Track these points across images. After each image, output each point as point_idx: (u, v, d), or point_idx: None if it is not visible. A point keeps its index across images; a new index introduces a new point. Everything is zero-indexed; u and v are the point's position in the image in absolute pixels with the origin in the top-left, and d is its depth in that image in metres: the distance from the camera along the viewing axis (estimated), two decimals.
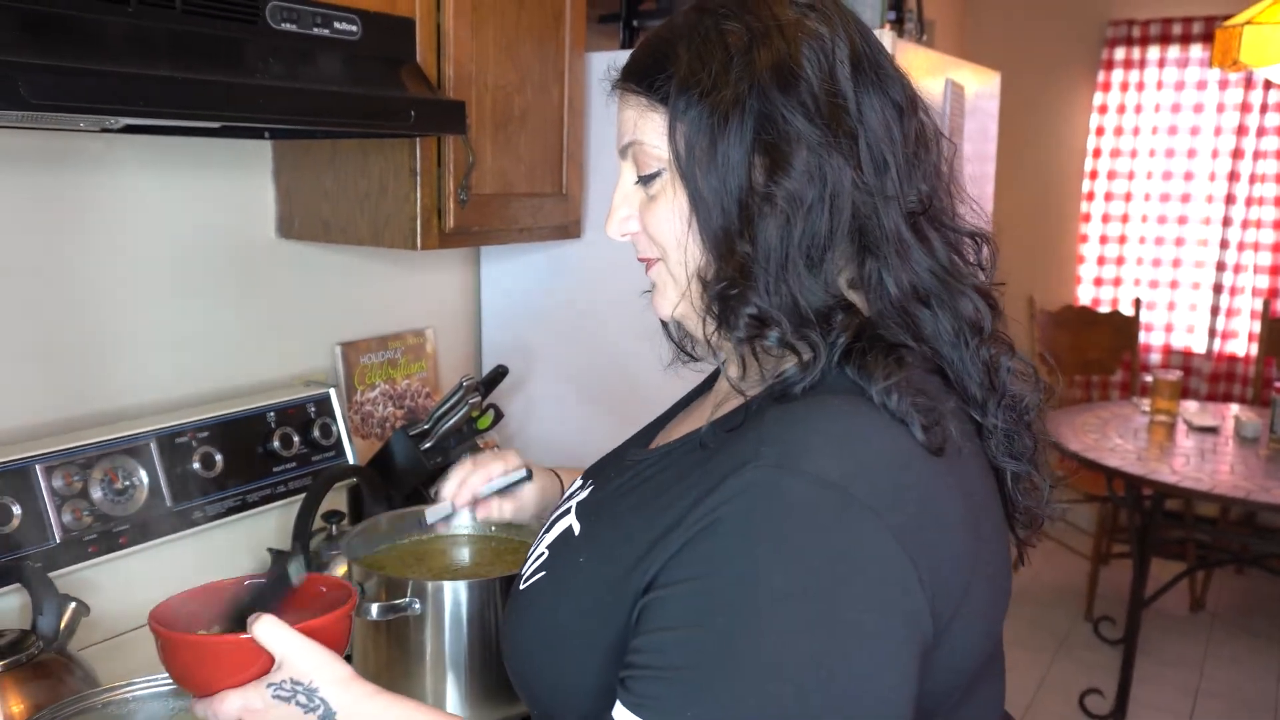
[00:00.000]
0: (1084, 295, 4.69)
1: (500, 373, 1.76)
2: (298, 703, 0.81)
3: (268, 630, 0.81)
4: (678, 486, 0.77)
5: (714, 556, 0.70)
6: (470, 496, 1.17)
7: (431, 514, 1.19)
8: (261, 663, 0.82)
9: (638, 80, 0.83)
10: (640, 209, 0.86)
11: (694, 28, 0.81)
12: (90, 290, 1.48)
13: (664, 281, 0.87)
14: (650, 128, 0.82)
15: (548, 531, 0.92)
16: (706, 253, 0.80)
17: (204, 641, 0.86)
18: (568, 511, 0.91)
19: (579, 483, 0.98)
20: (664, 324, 0.99)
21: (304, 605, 0.90)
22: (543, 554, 0.89)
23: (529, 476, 1.18)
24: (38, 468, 1.32)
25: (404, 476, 1.68)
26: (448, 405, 1.69)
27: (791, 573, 0.68)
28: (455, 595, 1.19)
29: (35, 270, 1.42)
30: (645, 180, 0.85)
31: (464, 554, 1.40)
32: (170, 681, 1.07)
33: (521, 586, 0.89)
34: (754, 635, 0.67)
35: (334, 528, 1.49)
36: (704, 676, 0.68)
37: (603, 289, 2.04)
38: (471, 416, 1.70)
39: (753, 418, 0.76)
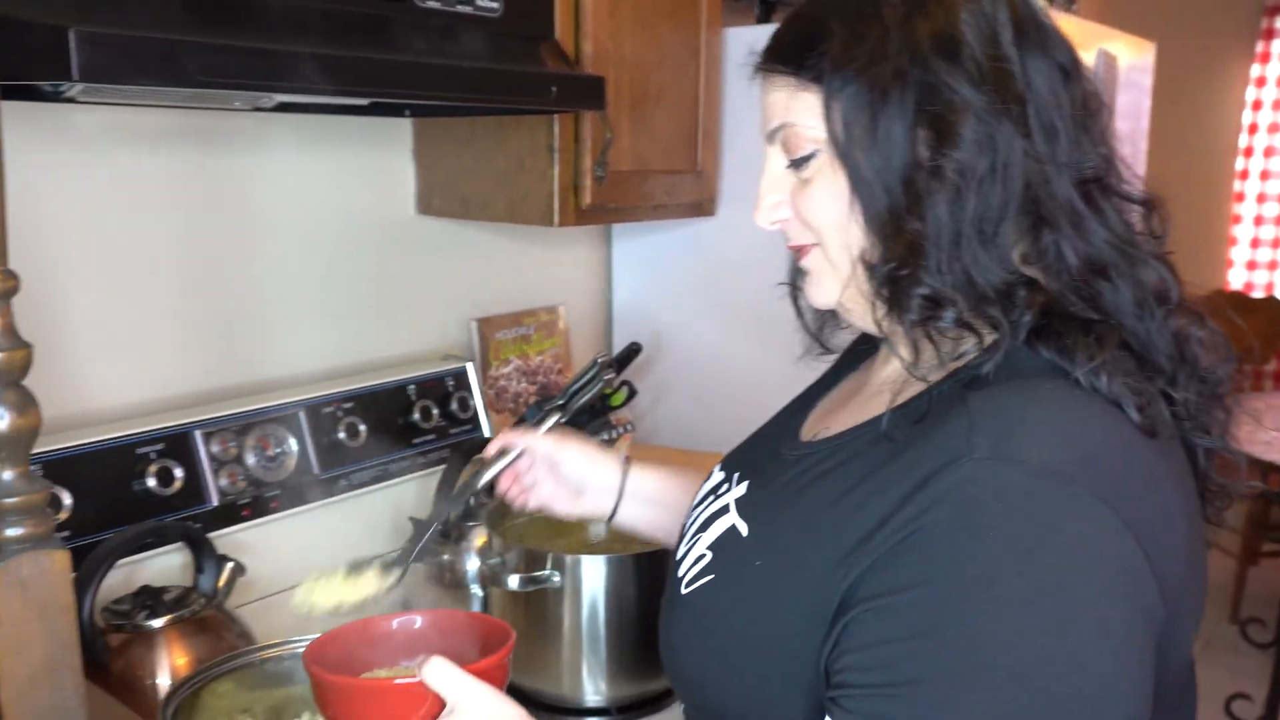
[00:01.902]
0: (1235, 280, 4.44)
1: (634, 350, 1.76)
2: None
3: (439, 672, 0.74)
4: (868, 483, 0.72)
5: (936, 560, 0.65)
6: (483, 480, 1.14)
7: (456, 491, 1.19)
8: (429, 706, 0.75)
9: (785, 60, 0.79)
10: (792, 194, 0.81)
11: (845, 3, 0.77)
12: (241, 265, 1.54)
13: (820, 269, 0.82)
14: (803, 108, 0.77)
15: (702, 530, 0.88)
16: (870, 235, 0.75)
17: (370, 686, 0.81)
18: (725, 509, 0.86)
19: (720, 475, 0.94)
20: (800, 314, 0.94)
21: (456, 642, 0.86)
22: (704, 555, 0.84)
23: (519, 455, 1.14)
24: (197, 433, 1.37)
25: None
26: (583, 381, 1.69)
27: (1025, 571, 0.63)
28: (595, 569, 1.20)
29: (193, 246, 1.47)
30: (798, 164, 0.79)
31: (602, 527, 1.40)
32: None
33: (684, 591, 0.85)
34: (990, 641, 0.63)
35: (473, 499, 1.51)
36: (939, 690, 0.64)
37: (735, 268, 2.02)
38: (605, 393, 1.71)
39: (942, 406, 0.71)
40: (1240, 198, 4.40)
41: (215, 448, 1.38)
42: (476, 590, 1.42)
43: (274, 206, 1.57)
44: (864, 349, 0.95)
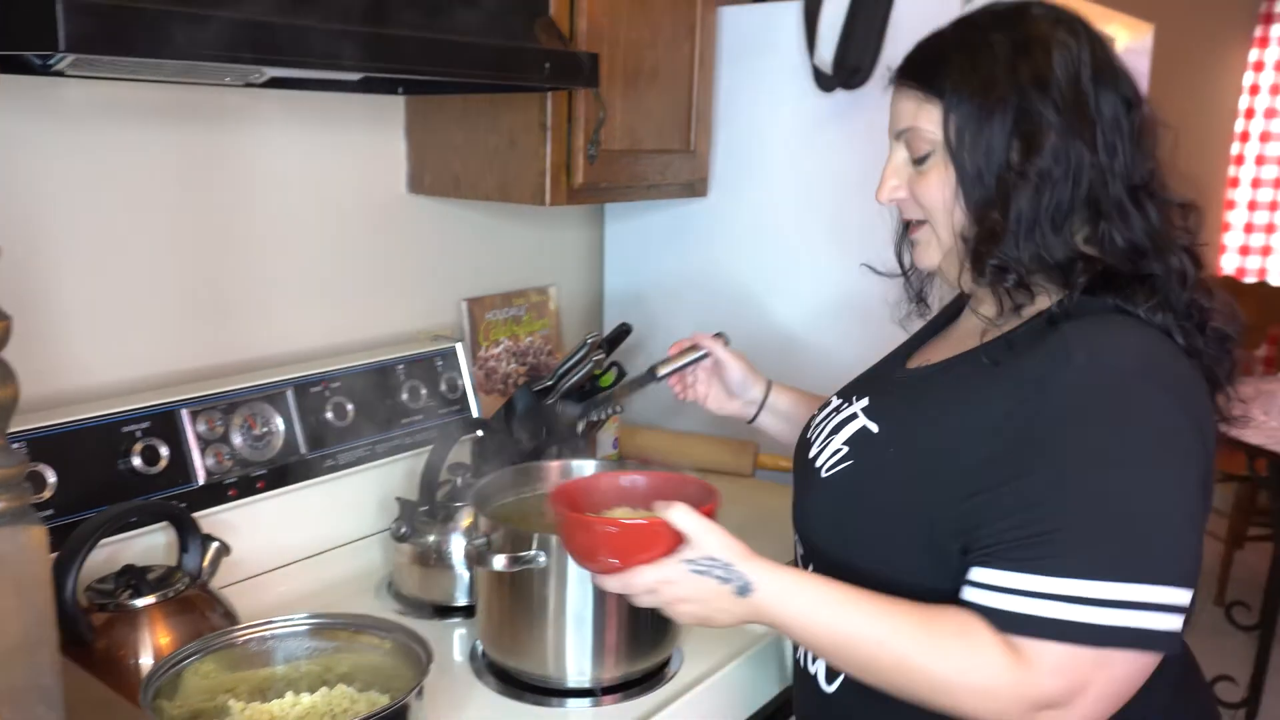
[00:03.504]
0: (1228, 265, 4.44)
1: (624, 331, 1.76)
2: (715, 575, 0.96)
3: (681, 514, 0.96)
4: (982, 389, 0.97)
5: (1058, 439, 0.89)
6: (667, 369, 1.41)
7: (663, 371, 1.41)
8: (667, 542, 0.97)
9: (916, 78, 1.02)
10: (909, 181, 1.05)
11: (965, 39, 1.01)
12: (230, 243, 1.53)
13: (928, 240, 1.06)
14: (927, 117, 1.00)
15: (834, 433, 1.10)
16: (969, 218, 0.99)
17: (625, 525, 0.99)
18: (854, 416, 1.10)
19: (837, 400, 1.18)
20: (906, 280, 1.21)
21: (667, 494, 1.04)
22: (840, 449, 1.08)
23: (704, 355, 1.41)
24: (184, 412, 1.36)
25: (526, 431, 1.69)
26: (572, 362, 1.69)
27: (1126, 442, 0.88)
28: None
29: (181, 223, 1.46)
30: (919, 160, 1.03)
31: None
32: (307, 622, 1.11)
33: (825, 475, 1.08)
34: (1122, 495, 0.87)
35: (459, 480, 1.51)
36: (1073, 532, 0.87)
37: (727, 248, 2.01)
38: (595, 374, 1.70)
39: (1029, 338, 0.97)
40: (1235, 183, 4.40)
41: (202, 427, 1.38)
42: (462, 571, 1.42)
43: (264, 184, 1.56)
44: (942, 320, 1.21)
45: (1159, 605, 0.86)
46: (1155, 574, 0.86)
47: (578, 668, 1.22)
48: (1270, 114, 4.29)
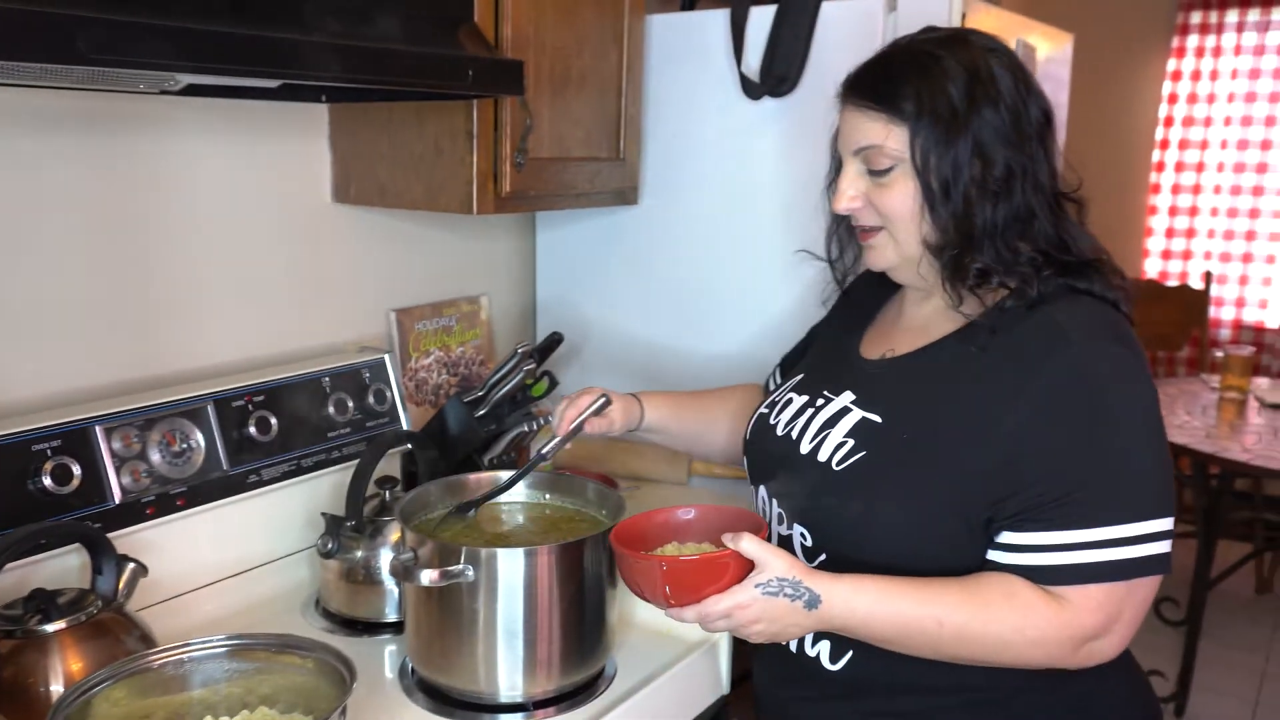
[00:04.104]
0: (1151, 269, 4.56)
1: (555, 340, 1.74)
2: (785, 594, 1.04)
3: (750, 543, 1.04)
4: (986, 373, 1.07)
5: (1074, 411, 1.02)
6: (569, 426, 1.36)
7: (547, 449, 1.34)
8: (735, 570, 1.04)
9: (877, 101, 1.10)
10: (868, 192, 1.13)
11: (920, 64, 1.09)
12: (147, 254, 1.48)
13: (883, 244, 1.15)
14: (893, 138, 1.09)
15: (829, 428, 1.16)
16: (934, 227, 1.09)
17: (695, 560, 1.06)
18: (846, 410, 1.16)
19: (801, 397, 1.24)
20: (833, 268, 1.28)
21: (711, 533, 1.12)
22: (845, 442, 1.13)
23: (609, 402, 1.39)
24: (98, 429, 1.32)
25: (458, 443, 1.66)
26: (502, 372, 1.67)
27: (1133, 407, 1.03)
28: (510, 563, 1.18)
29: (95, 233, 1.42)
30: (879, 173, 1.11)
31: (518, 520, 1.39)
32: (225, 643, 1.08)
33: (837, 468, 1.13)
34: (1128, 449, 1.02)
35: (388, 494, 1.48)
36: (1099, 486, 1.01)
37: (659, 255, 2.01)
38: (526, 384, 1.68)
39: (1009, 321, 1.07)
40: (1156, 189, 4.52)
41: (117, 444, 1.33)
42: (392, 587, 1.39)
43: (183, 193, 1.52)
44: (870, 309, 1.29)
45: (1163, 534, 1.02)
46: (1158, 509, 1.02)
47: (509, 682, 1.21)
48: (1188, 122, 4.41)
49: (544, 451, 1.34)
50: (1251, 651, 3.42)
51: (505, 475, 1.40)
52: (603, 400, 1.37)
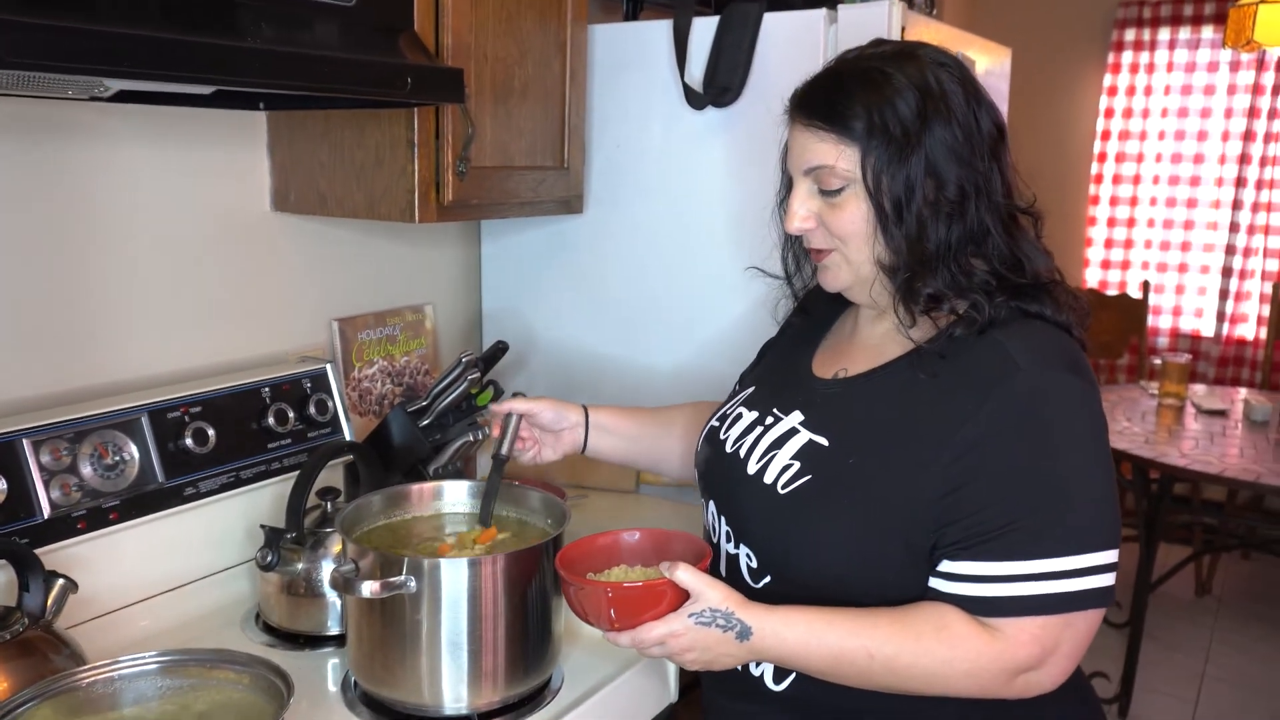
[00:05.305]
0: (1091, 278, 4.65)
1: (500, 349, 1.73)
2: (718, 625, 1.03)
3: (686, 573, 1.04)
4: (930, 396, 1.05)
5: (1022, 439, 1.00)
6: (506, 449, 1.37)
7: (504, 449, 1.37)
8: (672, 598, 1.04)
9: (827, 121, 1.06)
10: (820, 212, 1.10)
11: (869, 81, 1.05)
12: (81, 263, 1.45)
13: (836, 264, 1.13)
14: (844, 158, 1.06)
15: (776, 449, 1.14)
16: (887, 246, 1.06)
17: (637, 586, 1.06)
18: (794, 430, 1.14)
19: (752, 414, 1.21)
20: (789, 284, 1.26)
21: (657, 557, 1.14)
22: (791, 464, 1.11)
23: (517, 417, 1.38)
24: (25, 442, 1.28)
25: (402, 453, 1.65)
26: (446, 381, 1.66)
27: (1078, 435, 1.01)
28: (452, 573, 1.16)
29: (24, 242, 1.38)
30: (830, 193, 1.08)
31: (461, 529, 1.37)
32: (156, 660, 1.05)
33: (782, 491, 1.10)
34: (1072, 480, 1.00)
35: (329, 505, 1.46)
36: (1045, 512, 0.99)
37: (605, 264, 2.00)
38: (471, 393, 1.67)
39: (958, 347, 1.05)
40: (1095, 200, 4.61)
41: (46, 457, 1.30)
42: (334, 599, 1.37)
43: (116, 202, 1.49)
44: (826, 324, 1.26)
45: (1104, 566, 1.00)
46: (1100, 542, 1.00)
47: (454, 694, 1.19)
48: (1124, 136, 4.51)
49: (504, 453, 1.36)
50: (1192, 652, 3.49)
51: (449, 484, 1.40)
52: (516, 420, 1.38)
